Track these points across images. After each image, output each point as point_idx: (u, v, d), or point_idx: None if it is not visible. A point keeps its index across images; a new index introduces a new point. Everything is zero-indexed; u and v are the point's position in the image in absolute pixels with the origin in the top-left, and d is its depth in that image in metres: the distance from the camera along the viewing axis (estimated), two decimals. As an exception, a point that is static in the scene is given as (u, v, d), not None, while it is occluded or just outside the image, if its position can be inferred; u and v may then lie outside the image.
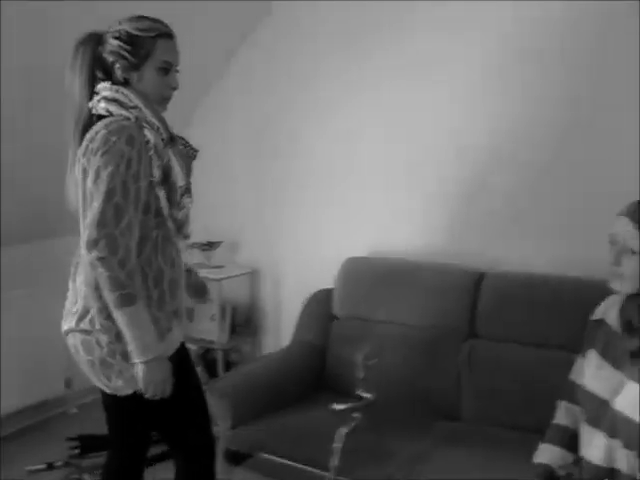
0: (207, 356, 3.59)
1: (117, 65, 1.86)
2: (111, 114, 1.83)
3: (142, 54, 1.85)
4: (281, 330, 3.44)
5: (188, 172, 1.91)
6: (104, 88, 1.86)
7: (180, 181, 1.86)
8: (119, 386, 1.86)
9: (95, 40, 1.89)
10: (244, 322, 3.60)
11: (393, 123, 3.05)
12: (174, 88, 1.92)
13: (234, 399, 2.64)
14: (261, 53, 3.37)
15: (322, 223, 3.28)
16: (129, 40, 1.85)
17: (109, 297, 1.73)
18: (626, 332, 1.73)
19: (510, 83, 2.78)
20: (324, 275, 3.09)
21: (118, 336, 1.78)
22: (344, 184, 3.22)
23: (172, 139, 1.88)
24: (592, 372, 1.79)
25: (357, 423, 1.65)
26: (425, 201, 3.03)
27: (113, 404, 1.95)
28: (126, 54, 1.85)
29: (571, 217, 2.71)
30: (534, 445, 1.88)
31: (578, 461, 1.85)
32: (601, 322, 1.85)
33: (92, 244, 1.73)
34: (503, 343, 2.65)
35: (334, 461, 1.64)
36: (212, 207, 3.48)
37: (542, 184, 2.76)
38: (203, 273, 3.39)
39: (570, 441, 1.85)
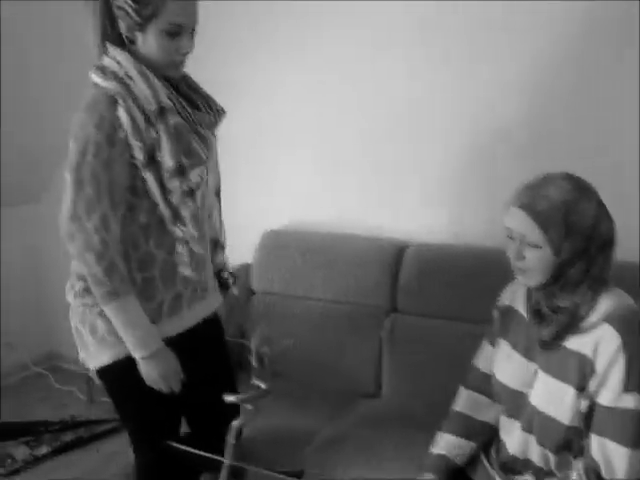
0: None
1: (121, 23, 1.65)
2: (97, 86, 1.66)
3: (147, 14, 1.62)
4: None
5: (186, 148, 1.68)
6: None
7: (168, 161, 1.64)
8: (83, 358, 1.80)
9: None
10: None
11: (326, 96, 2.87)
12: (185, 53, 1.69)
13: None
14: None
15: (239, 193, 3.08)
16: None
17: (94, 292, 1.66)
18: (536, 321, 1.61)
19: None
20: (243, 249, 2.91)
21: (90, 307, 1.71)
22: (266, 151, 3.02)
23: (162, 111, 1.65)
24: (504, 363, 1.69)
25: (250, 416, 1.51)
26: (349, 172, 2.88)
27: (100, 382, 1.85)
28: (130, 11, 1.62)
29: (492, 187, 2.58)
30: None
31: (482, 449, 1.77)
32: (509, 309, 1.74)
33: (68, 238, 1.64)
34: (426, 318, 2.54)
35: (227, 457, 1.49)
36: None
37: (464, 153, 2.64)
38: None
39: (468, 430, 1.77)
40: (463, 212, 2.66)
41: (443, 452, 1.76)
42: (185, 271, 1.74)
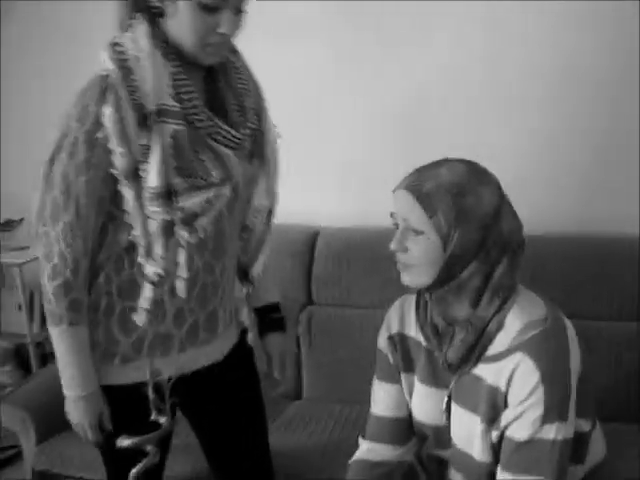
0: (22, 352, 3.10)
1: None
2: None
3: None
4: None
5: (186, 166, 1.32)
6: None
7: (152, 179, 1.29)
8: None
9: None
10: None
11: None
12: (224, 34, 1.33)
13: (37, 408, 2.22)
14: None
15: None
16: None
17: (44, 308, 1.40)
18: (435, 341, 1.35)
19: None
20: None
21: None
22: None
23: (160, 113, 1.30)
24: (415, 400, 1.44)
25: (150, 459, 1.27)
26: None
27: None
28: None
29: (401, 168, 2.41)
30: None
31: None
32: (401, 337, 1.46)
33: (36, 238, 1.38)
34: (343, 308, 2.38)
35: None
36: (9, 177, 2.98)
37: (374, 134, 2.50)
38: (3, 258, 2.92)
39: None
40: (372, 194, 2.48)
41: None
42: (137, 318, 1.40)
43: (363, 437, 1.52)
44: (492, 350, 1.29)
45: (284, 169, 1.59)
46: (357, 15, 2.44)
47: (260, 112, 1.49)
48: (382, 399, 1.49)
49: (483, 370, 1.30)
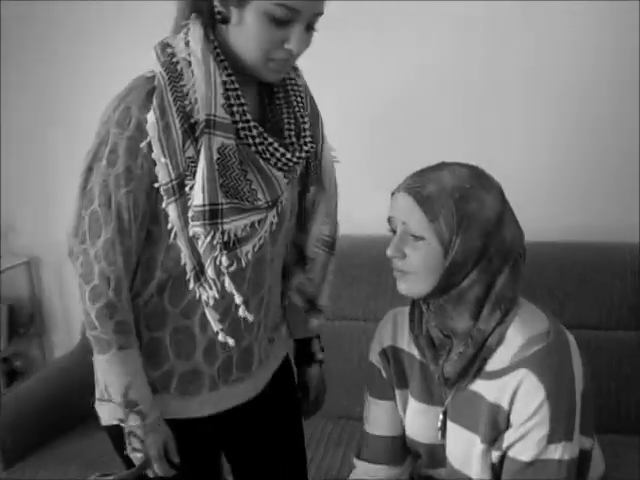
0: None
1: None
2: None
3: None
4: (74, 326, 2.88)
5: (232, 185, 1.18)
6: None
7: (198, 197, 1.15)
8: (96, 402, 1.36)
9: None
10: (26, 321, 2.99)
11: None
12: (291, 51, 1.18)
13: (4, 431, 2.09)
14: None
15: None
16: None
17: (86, 332, 1.26)
18: (431, 354, 1.29)
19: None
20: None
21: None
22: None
23: (209, 124, 1.16)
24: (410, 418, 1.37)
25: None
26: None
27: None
28: None
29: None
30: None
31: None
32: (394, 351, 1.39)
33: (72, 257, 1.25)
34: (329, 321, 2.14)
35: None
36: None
37: (356, 135, 2.37)
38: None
39: None
40: (357, 199, 2.37)
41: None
42: (222, 338, 1.25)
43: (358, 457, 1.45)
44: (493, 366, 1.23)
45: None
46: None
47: (317, 136, 1.36)
48: (376, 417, 1.42)
49: (483, 387, 1.24)
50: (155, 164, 1.15)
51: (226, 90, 1.19)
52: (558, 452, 1.18)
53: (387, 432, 1.41)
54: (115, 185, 1.17)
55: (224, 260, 1.18)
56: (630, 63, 2.17)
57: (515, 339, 1.21)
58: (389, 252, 1.22)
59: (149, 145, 1.15)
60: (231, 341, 1.24)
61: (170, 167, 1.15)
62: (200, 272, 1.20)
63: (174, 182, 1.16)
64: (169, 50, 1.18)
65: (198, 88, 1.16)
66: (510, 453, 1.22)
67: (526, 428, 1.19)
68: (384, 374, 1.40)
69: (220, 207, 1.16)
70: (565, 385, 1.20)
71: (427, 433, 1.34)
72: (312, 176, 1.38)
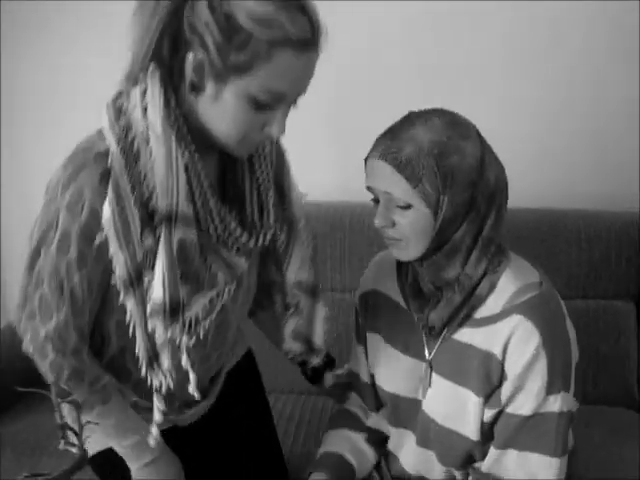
0: None
1: (191, 55, 1.00)
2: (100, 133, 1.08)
3: (236, 62, 0.99)
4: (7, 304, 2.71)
5: (191, 272, 1.09)
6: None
7: (157, 293, 1.06)
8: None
9: None
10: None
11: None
12: (269, 137, 1.09)
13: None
14: None
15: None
16: (227, 27, 0.97)
17: None
18: (417, 305, 1.26)
19: None
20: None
21: None
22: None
23: (169, 218, 1.04)
24: (382, 365, 1.35)
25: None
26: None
27: None
28: (211, 45, 0.98)
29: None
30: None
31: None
32: (375, 294, 1.37)
33: (21, 330, 1.16)
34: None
35: None
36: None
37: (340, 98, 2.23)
38: None
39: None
40: (319, 164, 2.28)
41: (334, 449, 1.40)
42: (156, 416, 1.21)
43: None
44: (482, 313, 1.20)
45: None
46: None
47: (283, 187, 1.28)
48: (357, 362, 1.44)
49: (471, 335, 1.20)
50: (111, 257, 1.06)
51: (187, 173, 1.06)
52: (557, 403, 1.15)
53: (367, 378, 1.41)
54: (67, 271, 1.08)
55: (184, 340, 1.13)
56: (617, 24, 2.10)
57: (507, 287, 1.18)
58: (377, 222, 1.17)
59: (105, 238, 1.04)
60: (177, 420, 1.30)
61: (128, 260, 1.06)
62: (154, 359, 1.14)
63: (132, 274, 1.07)
64: (122, 122, 1.04)
65: (157, 172, 1.03)
66: (508, 409, 1.18)
67: (523, 379, 1.15)
68: (360, 319, 1.40)
69: (182, 300, 1.08)
70: (560, 333, 1.17)
71: (403, 384, 1.30)
72: (283, 224, 1.29)
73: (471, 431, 1.21)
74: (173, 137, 1.03)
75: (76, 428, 1.05)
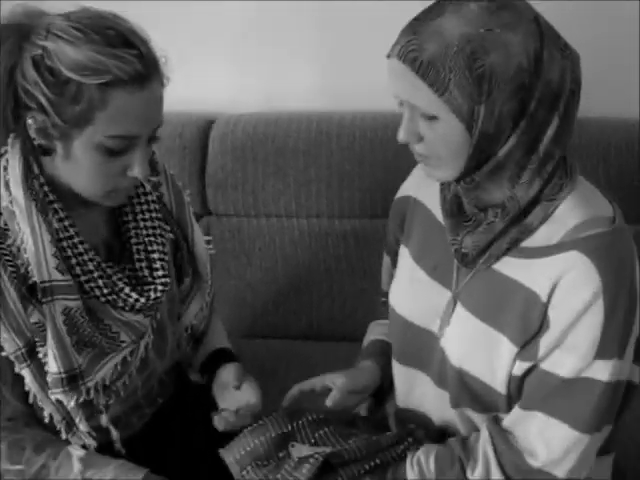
0: None
1: (29, 118, 1.00)
2: None
3: (73, 115, 0.98)
4: None
5: (86, 339, 1.10)
6: None
7: (52, 366, 1.07)
8: None
9: (18, 38, 1.00)
10: None
11: None
12: (135, 179, 1.07)
13: None
14: None
15: None
16: (55, 82, 0.97)
17: None
18: (452, 223, 1.05)
19: None
20: None
21: None
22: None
23: (45, 292, 1.05)
24: (403, 284, 1.19)
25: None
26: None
27: None
28: (46, 104, 0.98)
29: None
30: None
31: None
32: (413, 203, 1.20)
33: None
34: (249, 218, 1.86)
35: None
36: None
37: None
38: None
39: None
40: (280, 69, 1.97)
41: (379, 337, 1.31)
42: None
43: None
44: (535, 241, 0.99)
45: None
46: None
47: (185, 230, 1.28)
48: (387, 276, 1.33)
49: (517, 268, 1.00)
50: None
51: (59, 240, 1.07)
52: (607, 372, 0.95)
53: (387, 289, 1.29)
54: None
55: (98, 403, 1.15)
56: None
57: (567, 218, 0.98)
58: (400, 137, 0.99)
59: None
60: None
61: (15, 338, 1.06)
62: (71, 422, 1.15)
63: (22, 350, 1.08)
64: None
65: (27, 247, 1.04)
66: (543, 365, 0.99)
67: (568, 331, 0.95)
68: (394, 228, 1.27)
69: (78, 370, 1.09)
70: (627, 285, 0.95)
71: (422, 312, 1.13)
72: (185, 268, 1.29)
73: (499, 383, 1.03)
74: (34, 211, 1.04)
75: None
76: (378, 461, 1.08)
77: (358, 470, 1.06)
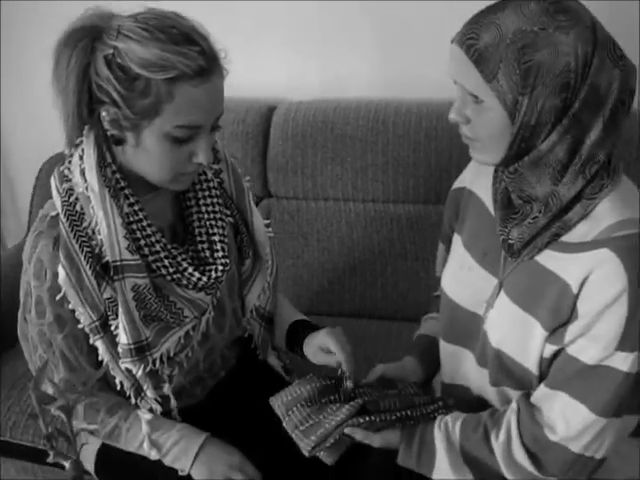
0: None
1: (104, 113, 1.10)
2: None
3: (143, 107, 1.07)
4: (22, 212, 2.53)
5: (153, 314, 1.22)
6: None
7: (122, 338, 1.18)
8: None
9: (91, 39, 1.09)
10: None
11: None
12: (200, 164, 1.15)
13: None
14: None
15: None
16: (125, 78, 1.07)
17: None
18: (502, 215, 1.12)
19: None
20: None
21: None
22: None
23: (116, 270, 1.15)
24: (454, 270, 1.25)
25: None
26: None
27: None
28: (117, 98, 1.08)
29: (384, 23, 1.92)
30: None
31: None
32: (468, 194, 1.26)
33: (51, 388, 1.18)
34: (308, 201, 1.95)
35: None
36: None
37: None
38: None
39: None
40: (340, 58, 2.01)
41: (428, 332, 1.38)
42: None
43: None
44: (574, 237, 1.05)
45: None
46: None
47: (244, 214, 1.34)
48: (440, 260, 1.36)
49: (556, 260, 1.06)
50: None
51: (129, 224, 1.16)
52: (627, 363, 1.00)
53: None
54: (50, 332, 1.20)
55: (164, 372, 1.25)
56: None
57: (604, 217, 1.02)
58: (451, 116, 1.07)
59: (66, 295, 1.16)
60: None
61: (90, 312, 1.17)
62: (140, 389, 1.25)
63: (96, 323, 1.19)
64: (66, 185, 1.16)
65: (101, 229, 1.14)
66: (569, 350, 1.05)
67: (594, 322, 1.01)
68: (450, 216, 1.32)
69: (146, 341, 1.20)
70: None
71: (470, 296, 1.20)
72: (245, 250, 1.35)
73: (532, 364, 1.10)
74: (107, 196, 1.13)
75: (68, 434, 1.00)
76: (410, 412, 1.15)
77: (390, 417, 1.14)
